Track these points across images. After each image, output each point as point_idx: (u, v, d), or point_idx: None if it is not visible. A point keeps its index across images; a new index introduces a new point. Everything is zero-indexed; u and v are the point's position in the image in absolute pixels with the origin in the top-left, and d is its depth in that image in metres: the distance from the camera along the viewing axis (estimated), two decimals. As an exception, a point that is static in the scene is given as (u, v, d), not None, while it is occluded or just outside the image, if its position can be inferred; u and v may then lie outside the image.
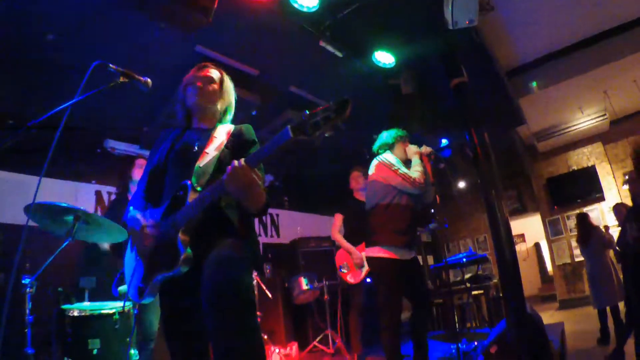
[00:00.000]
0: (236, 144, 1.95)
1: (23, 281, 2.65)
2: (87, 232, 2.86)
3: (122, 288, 3.13)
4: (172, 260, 1.69)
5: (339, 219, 4.81)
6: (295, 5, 3.84)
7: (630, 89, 7.50)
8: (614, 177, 9.21)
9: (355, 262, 4.48)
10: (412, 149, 3.43)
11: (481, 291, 6.60)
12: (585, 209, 8.81)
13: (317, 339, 5.22)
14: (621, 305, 4.86)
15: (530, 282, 12.10)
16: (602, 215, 9.08)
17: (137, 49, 3.93)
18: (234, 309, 1.56)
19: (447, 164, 3.67)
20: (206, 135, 1.97)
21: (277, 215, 7.46)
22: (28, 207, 2.34)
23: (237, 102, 2.20)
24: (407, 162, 3.39)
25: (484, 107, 5.55)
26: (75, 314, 2.80)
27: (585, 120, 8.68)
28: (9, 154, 4.26)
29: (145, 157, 3.36)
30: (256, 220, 6.87)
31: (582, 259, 7.20)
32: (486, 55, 5.36)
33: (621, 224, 4.73)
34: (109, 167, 5.15)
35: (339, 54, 4.50)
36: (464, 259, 6.00)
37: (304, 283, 5.24)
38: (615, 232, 5.29)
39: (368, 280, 4.44)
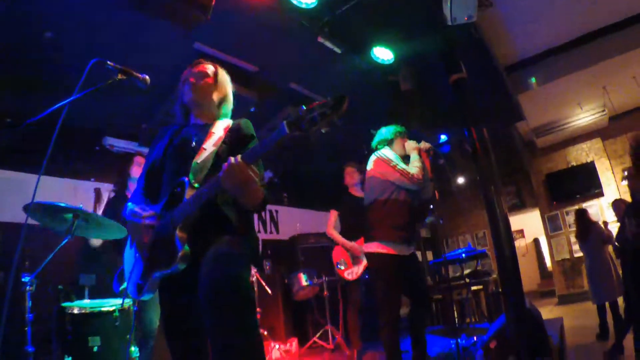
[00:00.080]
0: (234, 139, 1.94)
1: (23, 279, 2.65)
2: (86, 230, 2.87)
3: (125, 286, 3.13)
4: (170, 258, 1.69)
5: (334, 215, 4.78)
6: (294, 2, 3.84)
7: (629, 85, 7.49)
8: (613, 173, 9.23)
9: (354, 254, 4.46)
10: (411, 145, 3.42)
11: (480, 286, 6.62)
12: (584, 205, 8.83)
13: (317, 335, 5.23)
14: (620, 300, 4.87)
15: (529, 277, 12.13)
16: (601, 211, 9.09)
17: (136, 46, 3.92)
18: (232, 306, 1.55)
19: (446, 160, 3.66)
20: (204, 131, 1.96)
21: (277, 211, 7.47)
22: (27, 206, 2.34)
23: (236, 99, 2.19)
24: (406, 158, 3.39)
25: (483, 103, 5.55)
26: (75, 311, 2.80)
27: (584, 116, 8.67)
28: (7, 153, 4.26)
29: (144, 154, 3.35)
30: (255, 217, 6.88)
31: (581, 254, 7.22)
32: (485, 51, 5.35)
33: (620, 219, 4.74)
34: (107, 164, 5.15)
35: (338, 50, 4.49)
36: (463, 255, 6.02)
37: (303, 279, 5.24)
38: (614, 228, 5.30)
39: (366, 276, 4.44)
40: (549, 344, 3.68)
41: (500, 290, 6.10)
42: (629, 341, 4.13)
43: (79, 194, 4.86)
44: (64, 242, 2.67)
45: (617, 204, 5.20)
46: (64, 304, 2.89)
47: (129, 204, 1.96)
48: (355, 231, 4.48)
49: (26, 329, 2.61)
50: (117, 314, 2.86)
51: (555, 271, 9.75)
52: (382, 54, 4.78)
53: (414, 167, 3.24)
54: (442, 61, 4.37)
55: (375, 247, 3.19)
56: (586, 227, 5.53)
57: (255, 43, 4.33)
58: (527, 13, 5.22)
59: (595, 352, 4.55)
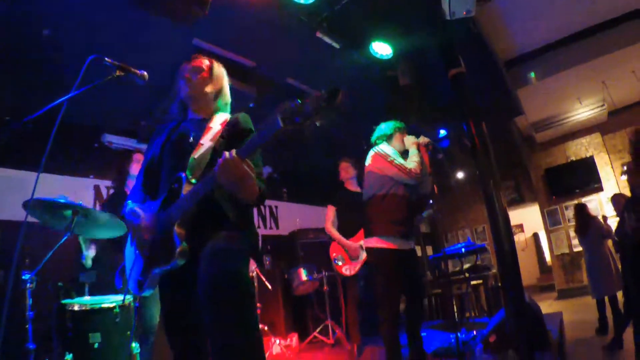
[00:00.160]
0: (232, 133, 1.92)
1: (23, 277, 2.65)
2: (86, 227, 2.87)
3: None
4: (168, 254, 1.69)
5: (331, 210, 4.74)
6: (292, -3, 3.83)
7: (628, 79, 7.49)
8: (612, 167, 9.23)
9: (351, 255, 4.45)
10: (409, 140, 3.42)
11: (480, 281, 6.64)
12: (583, 200, 8.85)
13: (317, 330, 5.25)
14: (620, 295, 4.88)
15: (528, 272, 12.16)
16: (601, 205, 9.11)
17: (135, 43, 3.90)
18: (230, 301, 1.56)
19: (445, 155, 3.66)
20: (202, 126, 1.96)
21: (276, 207, 7.47)
22: (26, 203, 2.33)
23: (234, 95, 2.19)
24: (406, 153, 3.39)
25: (482, 97, 5.55)
26: (76, 308, 2.80)
27: (584, 111, 8.67)
28: (6, 151, 4.25)
29: (143, 151, 3.35)
30: (255, 212, 6.89)
31: (580, 249, 7.23)
32: (484, 46, 5.33)
33: (619, 214, 4.75)
34: (106, 161, 5.14)
35: (336, 45, 4.48)
36: (463, 249, 6.02)
37: (303, 274, 5.25)
38: (613, 222, 5.31)
39: (364, 272, 4.43)
40: (549, 338, 3.69)
41: (499, 284, 6.13)
42: (628, 335, 4.15)
43: (78, 191, 4.85)
44: (63, 239, 2.67)
45: (616, 199, 5.21)
46: (64, 301, 2.89)
47: (129, 202, 1.96)
48: (352, 226, 4.47)
49: (27, 326, 2.62)
50: (117, 310, 2.86)
51: (555, 266, 9.77)
52: (381, 48, 4.76)
53: (412, 161, 3.24)
54: (441, 56, 4.36)
55: (374, 242, 3.20)
56: (585, 221, 5.54)
57: (253, 38, 4.32)
58: (526, 8, 5.21)
59: (594, 346, 4.57)
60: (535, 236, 13.41)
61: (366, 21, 4.47)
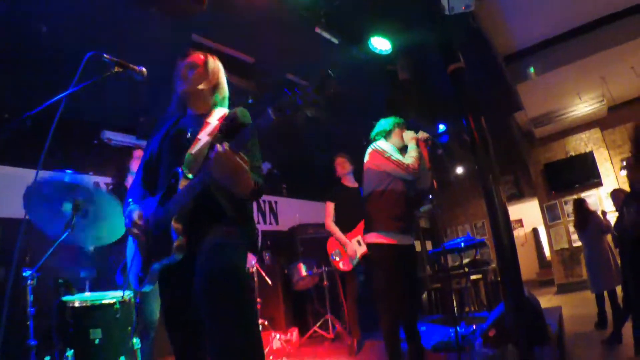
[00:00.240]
0: (230, 127, 1.90)
1: (24, 274, 2.66)
2: (86, 225, 2.87)
3: None
4: (166, 249, 1.70)
5: (330, 207, 4.72)
6: (291, -8, 3.82)
7: (627, 75, 7.48)
8: (611, 163, 9.24)
9: (349, 255, 4.44)
10: (408, 135, 3.42)
11: (479, 276, 6.65)
12: (582, 195, 8.85)
13: (317, 325, 5.26)
14: (619, 289, 4.90)
15: (528, 267, 12.19)
16: (600, 201, 9.12)
17: (133, 39, 3.89)
18: (227, 295, 1.56)
19: (444, 150, 3.66)
20: (200, 122, 1.96)
21: (276, 202, 7.47)
22: (28, 190, 2.34)
23: (233, 90, 2.19)
24: (405, 149, 3.39)
25: (482, 93, 5.54)
26: (76, 304, 2.80)
27: (583, 106, 8.66)
28: (6, 148, 4.25)
29: (143, 147, 3.36)
30: (255, 208, 6.89)
31: (579, 244, 7.24)
32: (483, 41, 5.33)
33: (619, 209, 4.75)
34: (106, 158, 5.14)
35: (335, 41, 4.47)
36: (462, 244, 6.03)
37: (303, 269, 5.26)
38: (612, 217, 5.32)
39: (362, 267, 4.43)
40: (548, 333, 3.71)
41: (499, 279, 6.15)
42: (627, 330, 4.16)
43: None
44: (63, 236, 2.67)
45: (615, 194, 5.22)
46: (65, 298, 2.90)
47: (129, 199, 1.97)
48: (349, 221, 4.48)
49: (28, 323, 2.62)
50: (117, 306, 2.87)
51: (554, 260, 9.79)
52: (380, 43, 4.75)
53: (409, 157, 3.24)
54: (440, 51, 4.35)
55: (374, 238, 3.20)
56: (585, 216, 5.55)
57: (252, 34, 4.31)
58: (526, 2, 5.20)
59: (593, 340, 4.59)
60: (535, 231, 13.44)
61: (365, 16, 4.46)
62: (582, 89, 8.01)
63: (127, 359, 2.80)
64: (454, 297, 6.08)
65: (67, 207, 2.75)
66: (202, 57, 2.07)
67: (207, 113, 2.01)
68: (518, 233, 13.24)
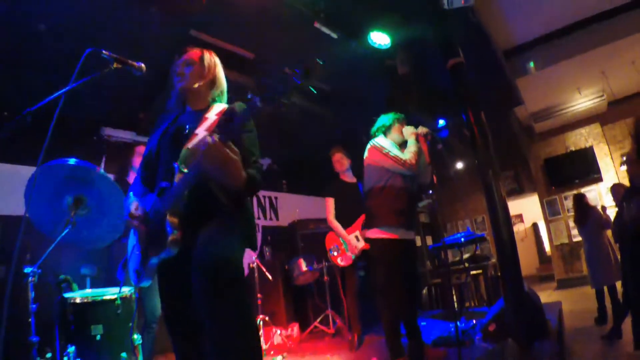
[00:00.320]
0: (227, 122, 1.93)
1: (25, 270, 2.66)
2: (86, 222, 2.87)
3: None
4: (162, 243, 1.70)
5: (331, 203, 4.69)
6: (290, -12, 3.81)
7: (628, 70, 7.46)
8: (611, 158, 9.23)
9: (350, 252, 4.43)
10: (408, 130, 3.42)
11: (479, 271, 6.65)
12: (582, 190, 8.85)
13: (318, 320, 5.27)
14: (619, 285, 4.90)
15: (528, 262, 12.21)
16: (600, 196, 9.12)
17: (132, 35, 3.88)
18: (222, 289, 1.55)
19: (444, 145, 3.66)
20: (198, 117, 1.96)
21: (276, 198, 7.48)
22: (33, 177, 2.35)
23: (232, 86, 2.19)
24: (405, 144, 3.39)
25: (481, 87, 5.53)
26: (77, 300, 2.81)
27: (583, 101, 8.65)
28: (5, 146, 4.24)
29: (144, 144, 3.36)
30: (255, 204, 6.90)
31: (579, 239, 7.24)
32: (483, 35, 5.31)
33: (618, 204, 4.75)
34: (106, 155, 5.13)
35: (334, 36, 4.45)
36: (462, 239, 6.03)
37: (303, 265, 5.28)
38: (612, 213, 5.32)
39: (361, 262, 4.43)
40: (548, 328, 3.72)
41: (499, 274, 6.14)
42: (627, 325, 4.17)
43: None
44: (64, 232, 2.68)
45: (615, 189, 5.21)
46: (66, 294, 2.91)
47: (131, 194, 1.98)
48: (349, 216, 4.48)
49: (30, 319, 2.63)
50: (118, 302, 2.87)
51: (554, 256, 9.80)
52: (379, 38, 4.73)
53: (408, 152, 3.25)
54: (439, 46, 4.34)
55: (376, 233, 3.21)
56: (584, 211, 5.55)
57: (251, 30, 4.30)
58: (526, -3, 5.18)
59: (593, 335, 4.60)
60: (535, 226, 13.45)
61: (364, 11, 4.44)
62: (582, 84, 7.99)
63: (129, 354, 2.80)
64: (454, 292, 6.09)
65: (69, 200, 2.76)
66: (198, 52, 2.08)
67: (206, 108, 2.02)
68: (518, 228, 13.25)
